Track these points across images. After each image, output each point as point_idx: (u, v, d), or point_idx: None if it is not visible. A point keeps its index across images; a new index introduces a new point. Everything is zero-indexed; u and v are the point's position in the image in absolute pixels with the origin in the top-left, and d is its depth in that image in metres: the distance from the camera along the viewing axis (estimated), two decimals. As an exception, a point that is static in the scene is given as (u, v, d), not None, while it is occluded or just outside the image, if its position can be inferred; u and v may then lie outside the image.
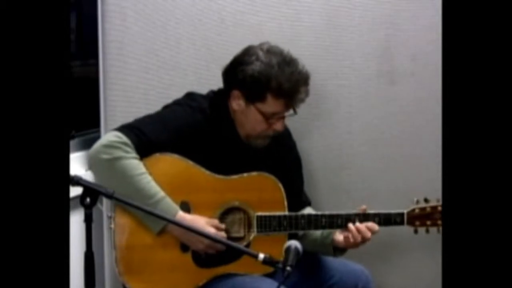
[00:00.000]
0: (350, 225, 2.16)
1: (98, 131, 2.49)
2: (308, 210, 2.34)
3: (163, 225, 2.08)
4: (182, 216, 2.09)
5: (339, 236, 2.20)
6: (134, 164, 2.06)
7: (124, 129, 2.10)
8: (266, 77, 2.12)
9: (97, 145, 2.07)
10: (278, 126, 2.20)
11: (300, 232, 2.25)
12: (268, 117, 2.17)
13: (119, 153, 2.04)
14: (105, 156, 2.04)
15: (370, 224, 2.17)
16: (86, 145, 2.57)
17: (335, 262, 2.30)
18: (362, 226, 2.16)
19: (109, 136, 2.09)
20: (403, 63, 2.70)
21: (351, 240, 2.16)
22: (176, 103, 2.24)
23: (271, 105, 2.15)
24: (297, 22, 2.60)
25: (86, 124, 2.77)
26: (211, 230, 2.09)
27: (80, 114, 2.72)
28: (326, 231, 2.23)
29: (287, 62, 2.14)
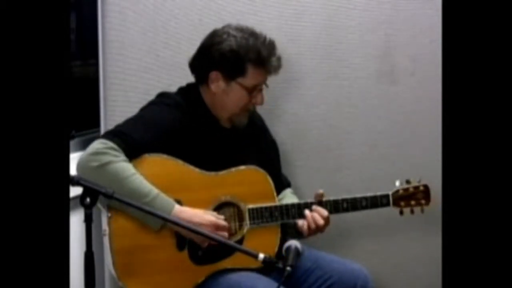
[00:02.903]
0: (307, 212, 2.23)
1: (98, 131, 2.49)
2: (287, 192, 2.39)
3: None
4: (180, 209, 2.08)
5: (299, 220, 2.25)
6: (124, 166, 2.05)
7: (108, 135, 2.10)
8: (244, 48, 2.17)
9: (83, 155, 2.06)
10: (258, 99, 2.24)
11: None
12: (250, 90, 2.21)
13: (107, 158, 2.03)
14: (94, 164, 2.03)
15: (320, 209, 2.23)
16: (86, 145, 2.54)
17: (333, 262, 2.31)
18: (315, 214, 2.22)
19: (94, 144, 2.08)
20: (403, 63, 2.70)
21: (305, 226, 2.22)
22: (151, 103, 2.26)
23: (252, 76, 2.19)
24: (297, 22, 2.60)
25: (86, 124, 2.76)
26: (211, 219, 2.10)
27: (80, 114, 2.71)
28: None
29: (255, 34, 2.21)
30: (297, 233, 2.28)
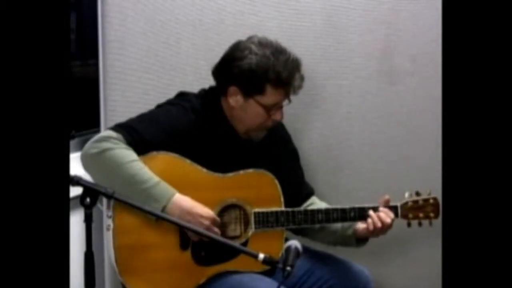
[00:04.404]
0: (371, 212, 2.20)
1: (98, 131, 2.49)
2: (315, 199, 2.36)
3: (164, 205, 2.04)
4: (181, 197, 2.07)
5: (360, 225, 2.23)
6: (124, 152, 2.05)
7: (117, 127, 2.11)
8: (263, 68, 2.13)
9: (87, 143, 2.09)
10: (277, 116, 2.21)
11: (317, 226, 2.28)
12: (268, 109, 2.18)
13: (107, 145, 2.04)
14: (94, 150, 2.04)
15: (386, 210, 2.22)
16: (86, 145, 2.57)
17: (335, 262, 2.31)
18: (381, 212, 2.20)
19: (100, 133, 2.11)
20: (403, 63, 2.70)
21: (371, 227, 2.19)
22: (169, 103, 2.24)
23: (270, 96, 2.16)
24: (297, 22, 2.60)
25: (86, 124, 2.77)
26: (210, 211, 2.09)
27: (80, 114, 2.72)
28: (346, 223, 2.26)
29: (279, 51, 2.16)
30: (357, 241, 2.28)
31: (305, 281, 2.26)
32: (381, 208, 2.22)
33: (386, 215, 2.21)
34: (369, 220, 2.20)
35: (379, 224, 2.19)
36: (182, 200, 2.07)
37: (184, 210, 2.05)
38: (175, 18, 2.50)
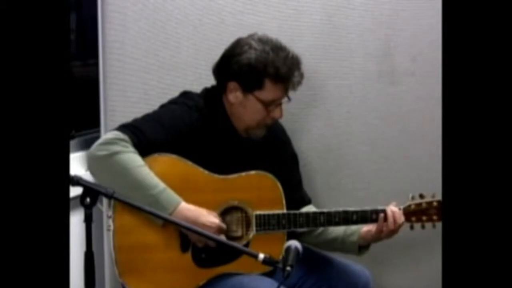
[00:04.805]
0: (388, 210, 2.18)
1: (98, 131, 2.49)
2: (308, 209, 2.34)
3: (169, 213, 2.04)
4: (186, 206, 2.08)
5: (365, 228, 2.23)
6: (133, 157, 2.05)
7: (122, 128, 2.11)
8: (263, 63, 2.13)
9: (94, 145, 2.08)
10: (276, 113, 2.21)
11: (319, 230, 2.28)
12: (267, 105, 2.18)
13: (116, 148, 2.04)
14: (102, 153, 2.04)
15: (397, 210, 2.20)
16: (86, 145, 2.57)
17: (335, 262, 2.31)
18: (397, 211, 2.19)
19: (106, 135, 2.11)
20: (403, 63, 2.71)
21: (384, 227, 2.18)
22: (173, 102, 2.25)
23: (269, 91, 2.16)
24: (297, 22, 2.60)
25: (86, 124, 2.77)
26: (216, 221, 2.09)
27: (80, 114, 2.72)
28: (349, 229, 2.26)
29: (279, 47, 2.17)
30: (359, 248, 2.27)
31: (305, 281, 2.26)
32: (391, 208, 2.20)
33: (400, 214, 2.19)
34: (381, 220, 2.18)
35: (392, 226, 2.17)
36: (187, 210, 2.07)
37: (189, 219, 2.04)
38: (175, 18, 2.50)
